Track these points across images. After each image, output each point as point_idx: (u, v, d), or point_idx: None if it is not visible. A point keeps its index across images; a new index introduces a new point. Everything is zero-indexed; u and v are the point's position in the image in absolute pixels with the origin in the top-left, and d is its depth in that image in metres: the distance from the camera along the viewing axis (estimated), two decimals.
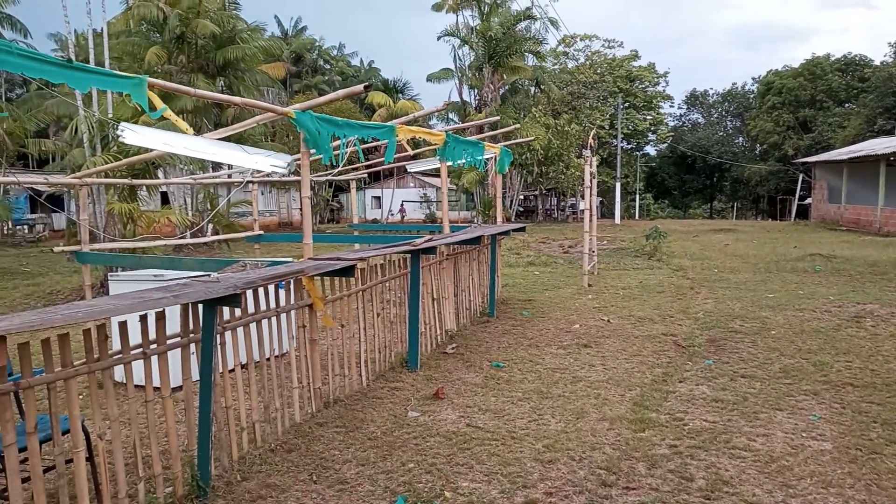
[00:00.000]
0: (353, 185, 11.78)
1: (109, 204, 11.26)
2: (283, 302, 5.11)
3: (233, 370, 4.62)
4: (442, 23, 58.65)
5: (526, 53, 35.28)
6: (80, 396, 5.13)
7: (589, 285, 12.28)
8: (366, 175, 13.79)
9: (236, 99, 4.56)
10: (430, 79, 38.29)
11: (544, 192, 40.13)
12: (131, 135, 5.47)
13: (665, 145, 61.43)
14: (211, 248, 20.29)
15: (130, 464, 4.03)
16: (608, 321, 9.07)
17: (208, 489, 4.05)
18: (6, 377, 2.98)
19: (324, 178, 12.96)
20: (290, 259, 6.23)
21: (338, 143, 6.22)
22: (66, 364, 3.28)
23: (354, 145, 6.83)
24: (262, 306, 4.87)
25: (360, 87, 5.00)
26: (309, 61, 56.65)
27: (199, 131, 17.13)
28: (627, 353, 7.32)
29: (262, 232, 8.85)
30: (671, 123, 62.70)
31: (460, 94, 37.55)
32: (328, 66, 58.77)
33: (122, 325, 3.65)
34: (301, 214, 5.12)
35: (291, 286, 5.17)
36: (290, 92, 50.35)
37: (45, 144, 22.30)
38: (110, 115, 12.82)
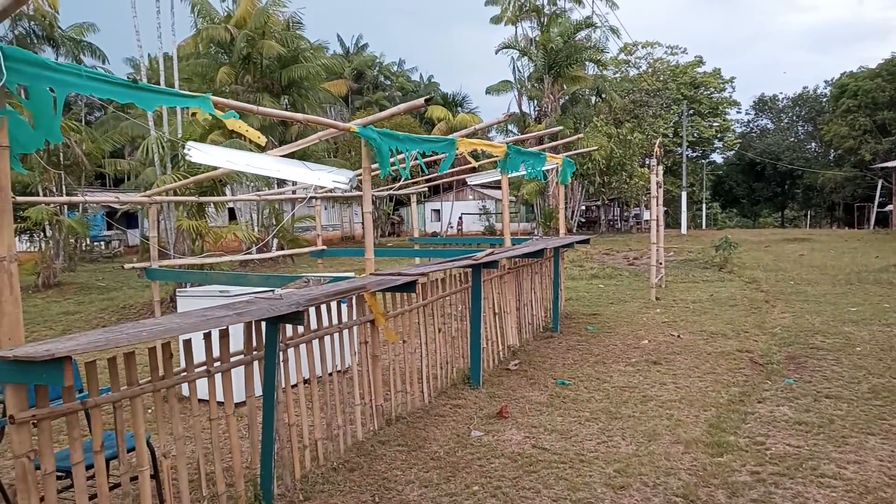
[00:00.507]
0: (414, 198, 11.77)
1: (178, 220, 11.59)
2: (345, 318, 5.07)
3: (295, 386, 4.59)
4: (500, 35, 58.50)
5: (586, 62, 34.88)
6: (149, 411, 5.21)
7: (657, 299, 11.88)
8: (426, 188, 13.79)
9: (299, 116, 4.57)
10: (488, 91, 38.30)
11: (606, 202, 39.42)
12: (197, 153, 5.57)
13: (732, 152, 59.51)
14: (276, 262, 20.70)
15: (194, 481, 4.03)
16: (678, 336, 8.70)
17: None
18: (74, 396, 3.01)
19: (385, 193, 13.00)
20: (351, 274, 6.21)
21: (401, 156, 6.18)
22: (132, 382, 3.30)
23: (416, 159, 6.79)
24: (325, 322, 4.83)
25: (421, 100, 4.94)
26: (370, 78, 57.64)
27: (264, 149, 17.51)
28: (700, 371, 6.97)
29: (325, 247, 8.91)
30: (738, 130, 60.74)
31: (519, 106, 37.39)
32: (388, 83, 59.65)
33: (187, 343, 3.66)
34: (363, 229, 5.07)
35: (353, 302, 5.12)
36: (351, 108, 51.29)
37: (121, 164, 23.26)
38: (179, 136, 13.25)
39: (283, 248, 20.07)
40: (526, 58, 35.02)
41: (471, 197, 47.56)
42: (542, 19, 34.83)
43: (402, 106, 5.25)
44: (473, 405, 6.05)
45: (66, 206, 19.95)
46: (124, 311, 12.78)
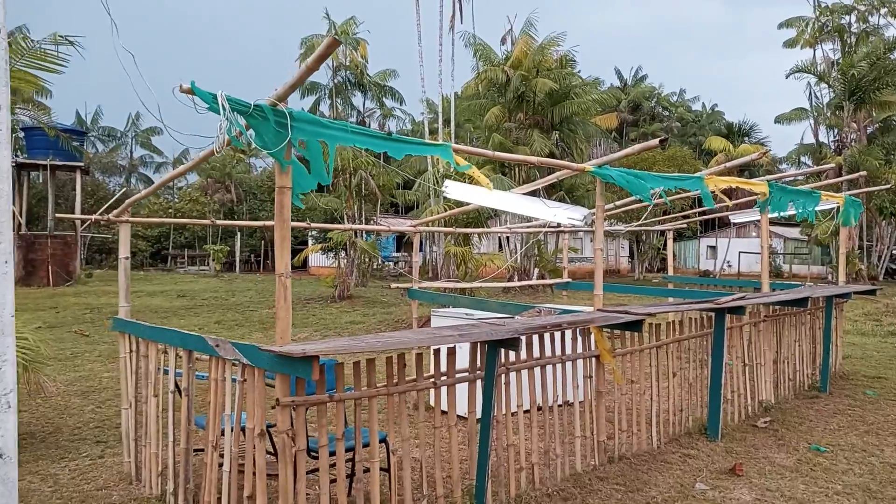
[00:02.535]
0: (670, 234, 11.40)
1: (446, 247, 12.77)
2: (569, 350, 5.24)
3: (515, 413, 4.89)
4: (795, 58, 53.14)
5: None
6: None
7: None
8: (684, 224, 13.23)
9: (532, 159, 4.92)
10: (778, 120, 35.13)
11: None
12: (453, 190, 6.24)
13: None
14: (535, 290, 21.41)
15: (416, 481, 4.53)
16: None
17: None
18: (324, 388, 3.68)
19: (635, 227, 12.80)
20: (584, 308, 6.35)
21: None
22: (371, 385, 3.90)
23: (660, 196, 6.72)
24: (547, 352, 5.07)
25: (656, 141, 4.96)
26: (647, 109, 56.62)
27: (530, 181, 18.36)
28: None
29: (569, 280, 9.18)
30: None
31: (815, 136, 33.62)
32: (667, 113, 57.91)
33: (418, 357, 4.19)
34: (595, 265, 5.22)
35: (578, 335, 5.27)
36: (625, 141, 50.83)
37: (409, 195, 26.18)
38: (453, 171, 14.61)
39: (543, 278, 20.70)
40: (824, 83, 31.40)
41: (754, 234, 43.64)
42: (846, 39, 30.98)
43: (637, 147, 5.30)
44: (706, 457, 5.74)
45: (362, 231, 23.08)
46: (397, 323, 14.39)
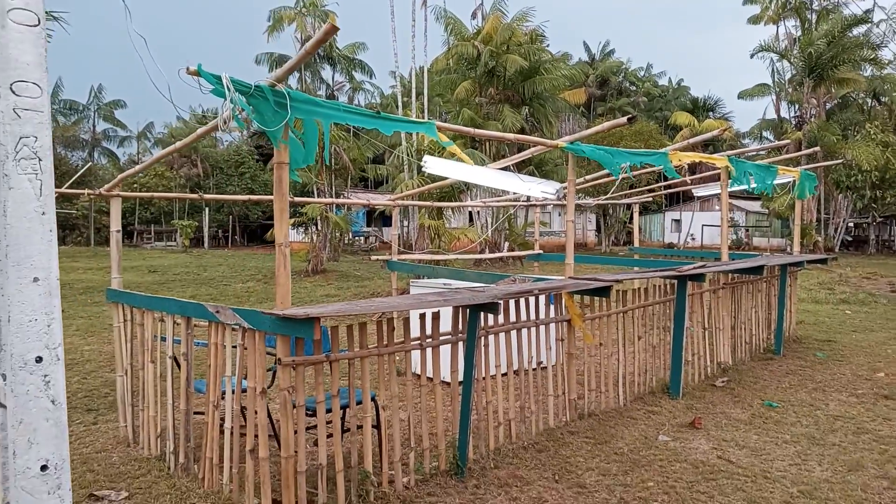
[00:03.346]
0: (636, 208, 11.85)
1: (420, 221, 13.06)
2: (542, 315, 5.62)
3: (494, 377, 5.25)
4: (760, 35, 54.13)
5: (861, 63, 31.00)
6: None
7: None
8: (650, 198, 13.69)
9: (509, 136, 5.22)
10: (741, 96, 35.98)
11: (879, 220, 34.62)
12: (432, 165, 6.51)
13: None
14: (505, 263, 21.86)
15: (404, 436, 4.88)
16: None
17: (465, 470, 4.71)
18: (321, 349, 3.98)
19: (604, 201, 13.24)
20: (556, 277, 6.73)
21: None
22: (362, 346, 4.21)
23: (626, 172, 7.09)
24: (524, 317, 5.43)
25: (624, 119, 5.29)
26: (614, 84, 57.18)
27: (502, 158, 18.69)
28: None
29: (541, 251, 9.57)
30: None
31: (777, 111, 34.57)
32: (634, 88, 58.57)
33: (406, 321, 4.51)
34: (566, 237, 5.57)
35: (552, 300, 5.65)
36: (592, 115, 51.36)
37: (380, 169, 26.30)
38: (426, 145, 14.83)
39: (513, 250, 21.16)
40: (786, 60, 32.19)
41: (717, 207, 44.71)
42: (806, 16, 31.73)
43: (607, 124, 5.64)
44: (668, 413, 6.21)
45: (333, 205, 23.17)
46: (373, 296, 14.68)
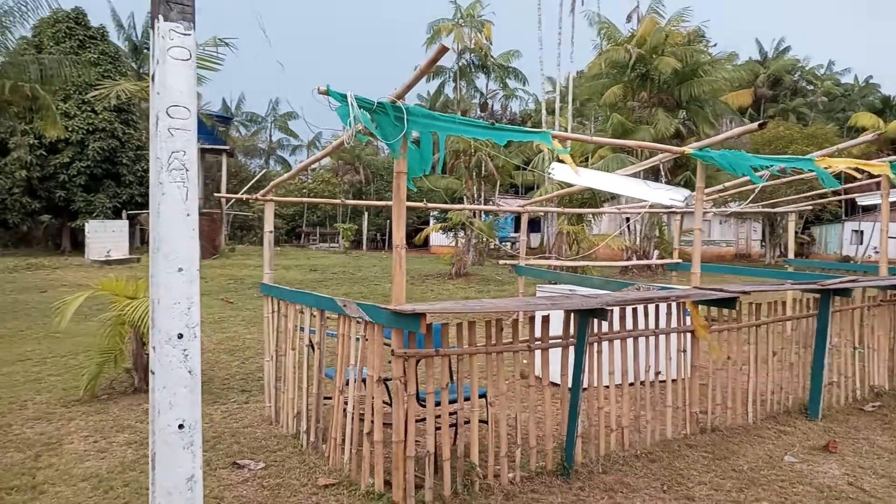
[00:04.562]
0: (792, 216, 11.03)
1: (559, 226, 13.09)
2: (663, 324, 5.54)
3: (608, 386, 5.28)
4: None
5: None
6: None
7: None
8: (809, 207, 12.61)
9: (631, 143, 5.22)
10: None
11: None
12: (559, 172, 6.64)
13: None
14: (654, 272, 21.14)
15: (510, 434, 5.07)
16: None
17: (571, 471, 4.80)
18: (431, 343, 4.29)
19: (748, 209, 12.44)
20: (681, 287, 6.53)
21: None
22: (472, 344, 4.47)
23: (774, 175, 6.77)
24: (641, 325, 5.40)
25: (755, 125, 5.08)
26: (788, 83, 52.99)
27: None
28: None
29: (679, 260, 9.25)
30: None
31: None
32: (811, 87, 53.90)
33: (514, 322, 4.70)
34: (695, 245, 5.46)
35: (673, 310, 5.56)
36: (762, 117, 47.93)
37: (527, 176, 26.50)
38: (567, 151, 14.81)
39: (663, 259, 20.39)
40: None
41: None
42: None
43: (736, 130, 5.45)
44: (801, 434, 5.85)
45: (479, 211, 23.74)
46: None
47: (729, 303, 5.41)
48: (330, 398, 5.32)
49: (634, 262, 12.30)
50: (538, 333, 4.80)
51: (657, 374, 5.56)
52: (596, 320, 4.84)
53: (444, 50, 3.62)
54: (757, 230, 42.03)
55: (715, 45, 34.03)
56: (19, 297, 15.01)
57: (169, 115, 2.69)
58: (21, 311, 12.83)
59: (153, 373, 2.68)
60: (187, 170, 2.75)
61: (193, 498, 2.69)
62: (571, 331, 4.91)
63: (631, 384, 5.39)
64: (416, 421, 4.43)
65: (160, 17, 2.59)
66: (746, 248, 40.74)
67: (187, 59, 2.76)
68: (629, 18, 27.56)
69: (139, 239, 30.30)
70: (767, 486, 4.68)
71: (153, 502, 2.64)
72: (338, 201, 8.01)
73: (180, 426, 2.70)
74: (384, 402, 4.59)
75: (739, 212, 22.10)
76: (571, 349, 4.91)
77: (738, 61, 45.22)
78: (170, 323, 2.69)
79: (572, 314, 4.83)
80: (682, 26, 23.86)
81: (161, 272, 2.66)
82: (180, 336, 2.73)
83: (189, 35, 2.69)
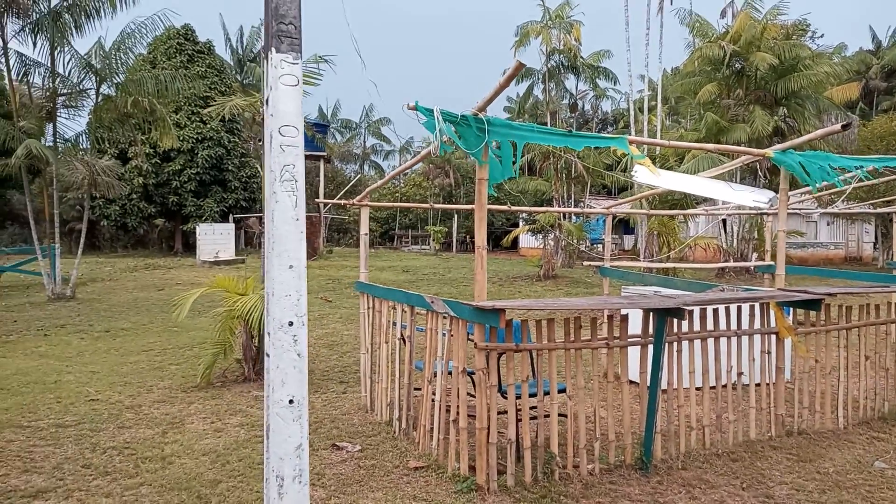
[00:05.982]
0: None
1: (649, 227, 13.00)
2: (745, 325, 5.57)
3: (687, 388, 5.37)
4: None
5: None
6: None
7: None
8: None
9: (709, 146, 5.27)
10: None
11: None
12: (641, 175, 6.75)
13: None
14: (752, 275, 20.40)
15: (590, 428, 5.26)
16: None
17: (650, 466, 4.95)
18: (512, 338, 4.57)
19: (819, 211, 11.87)
20: (764, 289, 6.47)
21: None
22: (550, 339, 4.72)
23: (860, 178, 6.62)
24: (722, 326, 5.45)
25: (839, 126, 5.03)
26: None
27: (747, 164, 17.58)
28: None
29: (772, 263, 8.99)
30: None
31: None
32: None
33: (594, 321, 4.91)
34: (777, 247, 5.47)
35: (756, 312, 5.57)
36: (875, 111, 44.93)
37: (618, 177, 26.16)
38: (643, 157, 14.66)
39: (762, 260, 19.65)
40: None
41: None
42: None
43: (819, 132, 5.40)
44: None
45: (569, 213, 23.68)
46: None
47: (814, 304, 5.37)
48: (419, 388, 5.70)
49: (727, 263, 12.01)
50: (617, 332, 4.98)
51: (739, 374, 5.59)
52: (675, 320, 4.97)
53: (520, 66, 3.91)
54: (869, 231, 39.41)
55: (822, 36, 32.28)
56: (140, 294, 16.45)
57: (281, 133, 3.13)
58: (142, 307, 14.11)
59: (268, 355, 3.12)
60: (296, 180, 3.19)
61: (301, 464, 3.11)
62: (651, 330, 5.06)
63: (712, 387, 5.45)
64: (498, 413, 4.73)
65: (273, 49, 3.02)
66: (857, 250, 38.28)
67: (295, 85, 3.20)
68: (723, 14, 26.67)
69: (244, 241, 32.20)
70: (852, 490, 4.66)
71: (267, 467, 3.08)
72: (427, 206, 8.40)
73: (290, 401, 3.13)
74: (468, 394, 4.91)
75: (848, 212, 20.98)
76: (650, 348, 5.06)
77: (848, 52, 42.62)
78: (282, 312, 3.13)
79: (651, 313, 4.98)
80: (780, 19, 22.88)
81: (275, 268, 3.10)
82: (291, 323, 3.17)
83: (297, 64, 3.12)
